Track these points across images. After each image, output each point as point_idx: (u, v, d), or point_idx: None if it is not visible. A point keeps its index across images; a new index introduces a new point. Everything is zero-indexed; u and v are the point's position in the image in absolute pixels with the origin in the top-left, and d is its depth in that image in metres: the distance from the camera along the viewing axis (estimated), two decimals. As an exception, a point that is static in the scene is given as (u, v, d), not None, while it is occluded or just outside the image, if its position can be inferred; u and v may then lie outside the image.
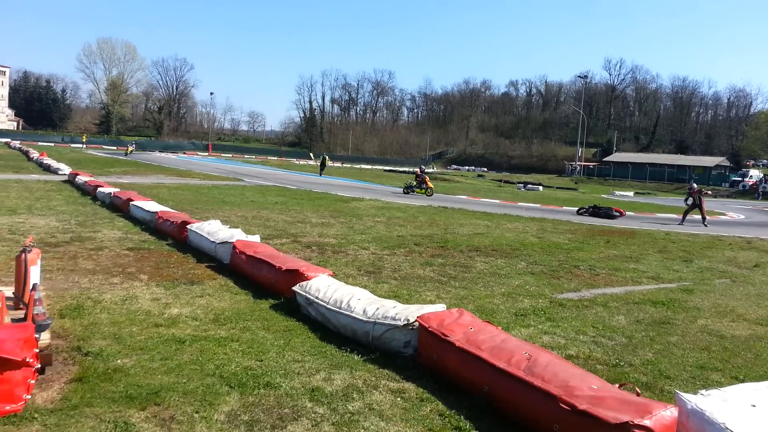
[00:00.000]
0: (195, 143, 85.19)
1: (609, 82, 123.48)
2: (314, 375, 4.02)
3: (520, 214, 18.69)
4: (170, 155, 58.93)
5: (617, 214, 19.91)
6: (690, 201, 19.63)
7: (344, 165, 76.31)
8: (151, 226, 10.36)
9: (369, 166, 79.72)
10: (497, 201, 25.93)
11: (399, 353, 4.54)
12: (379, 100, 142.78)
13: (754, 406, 3.24)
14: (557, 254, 10.42)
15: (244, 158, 71.74)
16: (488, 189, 40.50)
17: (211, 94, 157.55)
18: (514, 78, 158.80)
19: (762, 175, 67.75)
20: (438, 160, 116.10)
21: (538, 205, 24.47)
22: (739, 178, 65.24)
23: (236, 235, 7.96)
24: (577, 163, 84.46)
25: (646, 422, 3.01)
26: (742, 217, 26.55)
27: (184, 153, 69.73)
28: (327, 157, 44.13)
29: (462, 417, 3.49)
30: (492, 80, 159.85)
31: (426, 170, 29.71)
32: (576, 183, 65.54)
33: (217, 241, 7.88)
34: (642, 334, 5.62)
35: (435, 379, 4.05)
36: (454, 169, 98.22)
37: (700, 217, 19.20)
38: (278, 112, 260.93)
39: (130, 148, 51.67)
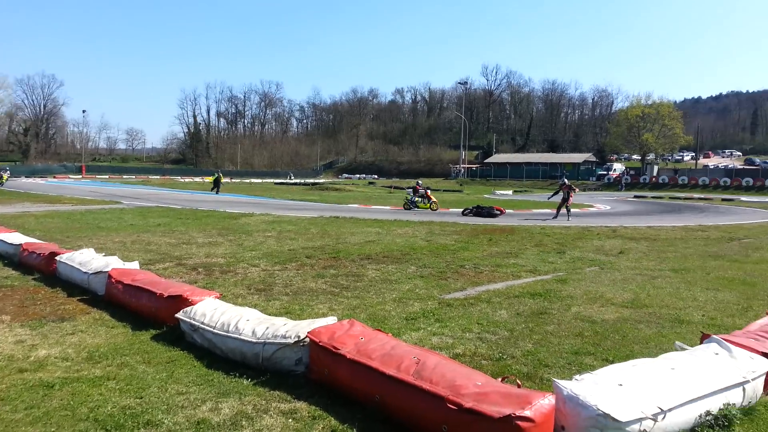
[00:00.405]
0: (67, 166, 78.64)
1: (487, 87, 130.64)
2: (200, 406, 3.84)
3: (410, 218, 19.16)
4: (39, 180, 54.16)
5: (498, 212, 21.02)
6: (555, 196, 21.21)
7: (233, 180, 74.11)
8: (15, 260, 9.42)
9: (259, 180, 78.12)
10: (388, 207, 26.41)
11: (291, 372, 4.46)
12: (268, 111, 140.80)
13: (621, 385, 3.53)
14: (444, 256, 10.80)
15: (122, 179, 67.61)
16: (379, 196, 41.14)
17: (84, 111, 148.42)
18: (400, 86, 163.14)
19: (624, 167, 74.66)
20: (329, 169, 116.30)
21: (427, 209, 25.21)
22: (604, 172, 71.38)
23: (112, 263, 7.43)
24: (461, 165, 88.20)
25: (527, 413, 3.16)
26: (608, 207, 29.04)
27: (55, 177, 64.15)
28: (221, 174, 42.02)
29: (355, 430, 3.49)
30: (379, 88, 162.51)
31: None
32: (461, 185, 68.34)
33: (90, 272, 7.31)
34: (522, 326, 5.96)
35: (328, 394, 4.02)
36: (345, 177, 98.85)
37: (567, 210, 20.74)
38: (159, 128, 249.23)
39: (5, 176, 42.51)
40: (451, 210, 24.85)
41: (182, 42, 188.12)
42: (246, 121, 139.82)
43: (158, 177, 78.09)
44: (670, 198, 43.24)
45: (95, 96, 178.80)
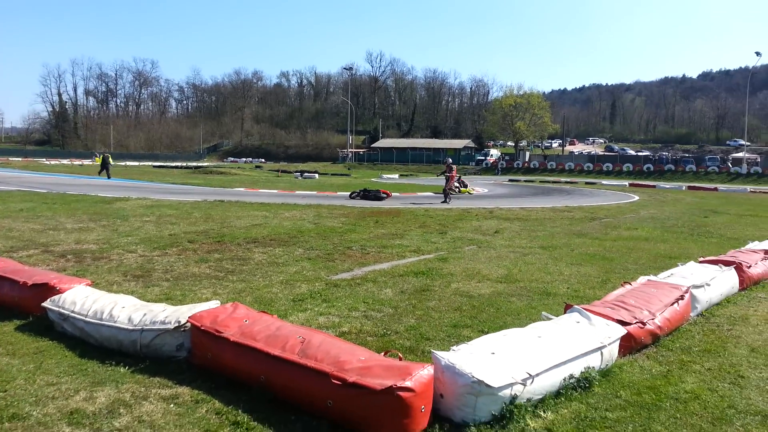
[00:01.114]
0: None
1: (372, 73, 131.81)
2: (73, 396, 3.61)
3: (298, 202, 19.02)
4: None
5: (385, 195, 21.49)
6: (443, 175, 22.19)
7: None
8: None
9: (136, 163, 73.36)
10: (275, 191, 25.99)
11: (172, 358, 4.32)
12: (143, 91, 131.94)
13: (493, 353, 3.80)
14: (332, 238, 10.88)
15: (-27, 160, 60.43)
16: (266, 180, 40.31)
17: None
18: (285, 69, 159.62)
19: (500, 153, 79.04)
20: (213, 153, 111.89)
21: (315, 193, 25.17)
22: (482, 158, 75.26)
23: (-38, 251, 6.70)
24: (349, 150, 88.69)
25: (408, 383, 3.31)
26: (486, 190, 30.68)
27: None
28: (109, 156, 35.99)
29: (240, 411, 3.47)
30: (263, 71, 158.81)
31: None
32: (349, 169, 68.81)
33: (-64, 262, 6.54)
34: (406, 303, 6.19)
35: (212, 378, 3.95)
36: (231, 161, 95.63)
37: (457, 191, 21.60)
38: (20, 107, 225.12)
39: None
40: (338, 193, 24.97)
41: (43, 13, 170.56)
42: (119, 100, 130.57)
43: (20, 159, 70.87)
44: (540, 182, 46.52)
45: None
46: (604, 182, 44.57)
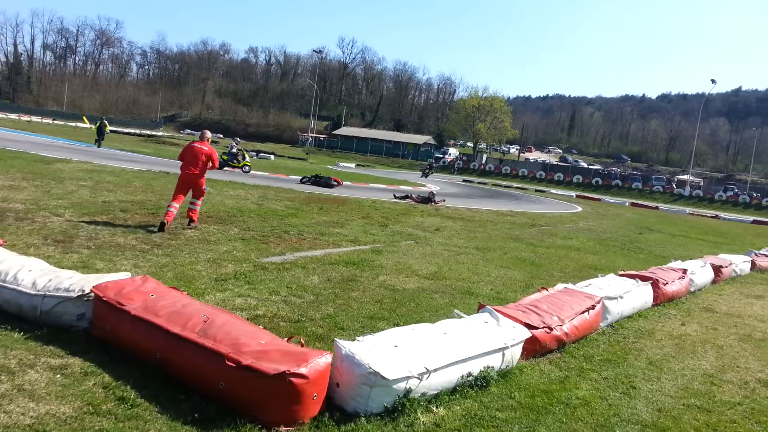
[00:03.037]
0: None
1: (342, 59, 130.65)
2: (-47, 359, 3.47)
3: (245, 181, 18.72)
4: None
5: (335, 183, 21.41)
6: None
7: (55, 122, 66.18)
8: None
9: (88, 125, 70.61)
10: (226, 168, 25.47)
11: (72, 327, 4.20)
12: (104, 51, 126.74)
13: (396, 346, 3.84)
14: (272, 220, 10.78)
15: None
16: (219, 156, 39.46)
17: None
18: (254, 44, 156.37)
19: (458, 153, 79.87)
20: (170, 123, 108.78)
21: (267, 174, 24.84)
22: (441, 155, 75.84)
23: None
24: (309, 135, 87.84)
25: (302, 369, 3.32)
26: (438, 188, 30.95)
27: None
28: (106, 123, 32.00)
29: (128, 387, 3.41)
30: (232, 44, 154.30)
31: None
32: (307, 154, 68.19)
33: None
34: (329, 291, 6.20)
35: (107, 351, 3.86)
36: (188, 133, 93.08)
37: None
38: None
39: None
40: (290, 177, 24.72)
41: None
42: (77, 58, 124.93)
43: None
44: (493, 185, 47.27)
45: None
46: (553, 191, 45.68)
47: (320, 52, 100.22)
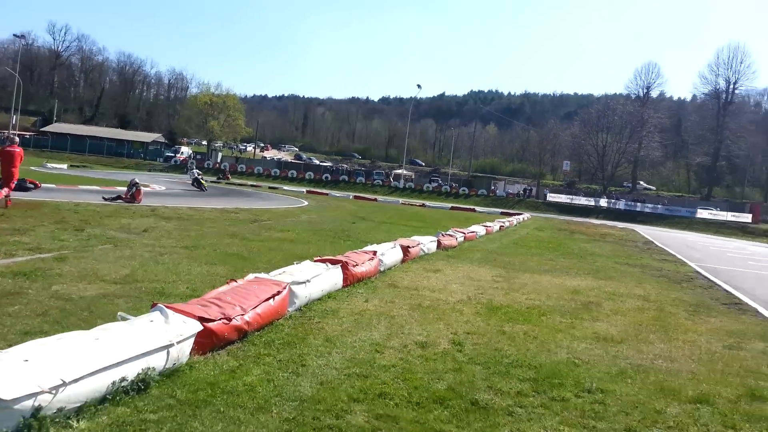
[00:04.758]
0: None
1: (53, 47, 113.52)
2: None
3: None
4: None
5: (32, 186, 18.46)
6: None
7: None
8: None
9: None
10: None
11: None
12: None
13: (26, 360, 3.39)
14: None
15: None
16: None
17: None
18: None
19: (191, 152, 76.69)
20: None
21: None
22: (172, 154, 71.89)
23: None
24: (11, 132, 74.64)
25: None
26: (164, 188, 29.21)
27: None
28: None
29: None
30: None
31: None
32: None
33: None
34: (-28, 309, 5.25)
35: None
36: None
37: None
38: None
39: None
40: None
41: None
42: None
43: None
44: (226, 183, 46.50)
45: None
46: (285, 188, 46.90)
47: (23, 37, 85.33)
